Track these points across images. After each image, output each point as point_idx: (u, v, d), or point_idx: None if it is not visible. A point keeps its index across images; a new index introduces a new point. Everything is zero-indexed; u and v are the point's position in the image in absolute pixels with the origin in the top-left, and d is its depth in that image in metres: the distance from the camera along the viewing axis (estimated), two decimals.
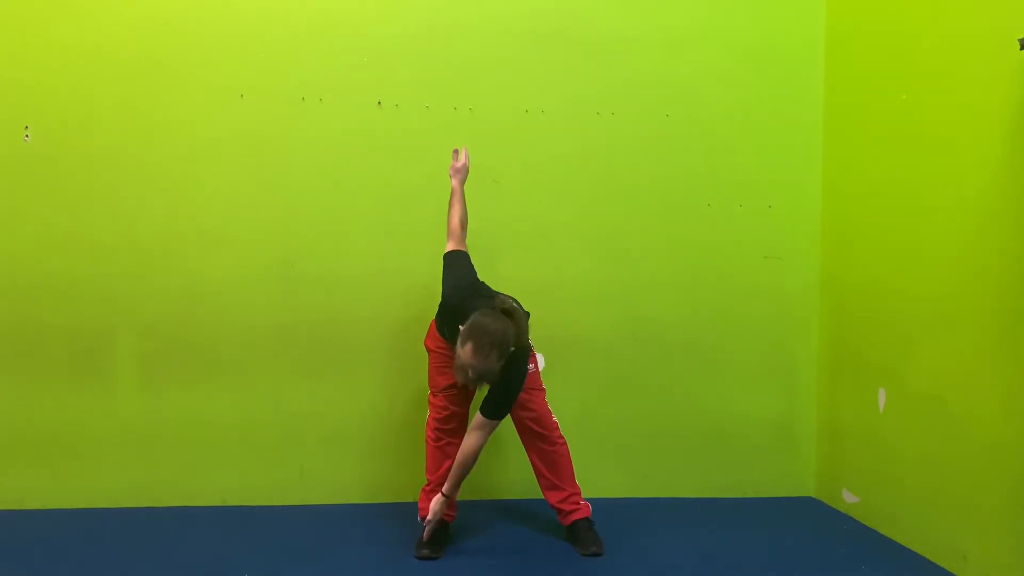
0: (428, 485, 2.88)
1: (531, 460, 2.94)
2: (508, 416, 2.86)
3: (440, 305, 2.83)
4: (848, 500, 3.31)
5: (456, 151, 2.95)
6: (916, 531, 2.89)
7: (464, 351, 2.52)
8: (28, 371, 3.14)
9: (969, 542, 2.63)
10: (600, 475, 3.30)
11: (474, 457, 2.72)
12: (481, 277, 2.87)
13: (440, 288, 2.84)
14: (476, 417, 2.72)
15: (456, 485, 2.75)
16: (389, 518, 3.13)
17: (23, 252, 3.12)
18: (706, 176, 3.50)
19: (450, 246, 2.88)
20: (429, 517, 2.75)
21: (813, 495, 3.58)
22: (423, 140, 3.30)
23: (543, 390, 2.93)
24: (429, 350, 2.92)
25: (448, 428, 2.85)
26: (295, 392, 3.27)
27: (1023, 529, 2.42)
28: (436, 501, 2.74)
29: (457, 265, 2.84)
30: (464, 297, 2.72)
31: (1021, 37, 2.35)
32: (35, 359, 3.14)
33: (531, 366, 2.86)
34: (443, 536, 2.85)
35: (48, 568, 2.62)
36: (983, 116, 2.60)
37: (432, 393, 2.90)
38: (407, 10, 3.30)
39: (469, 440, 2.71)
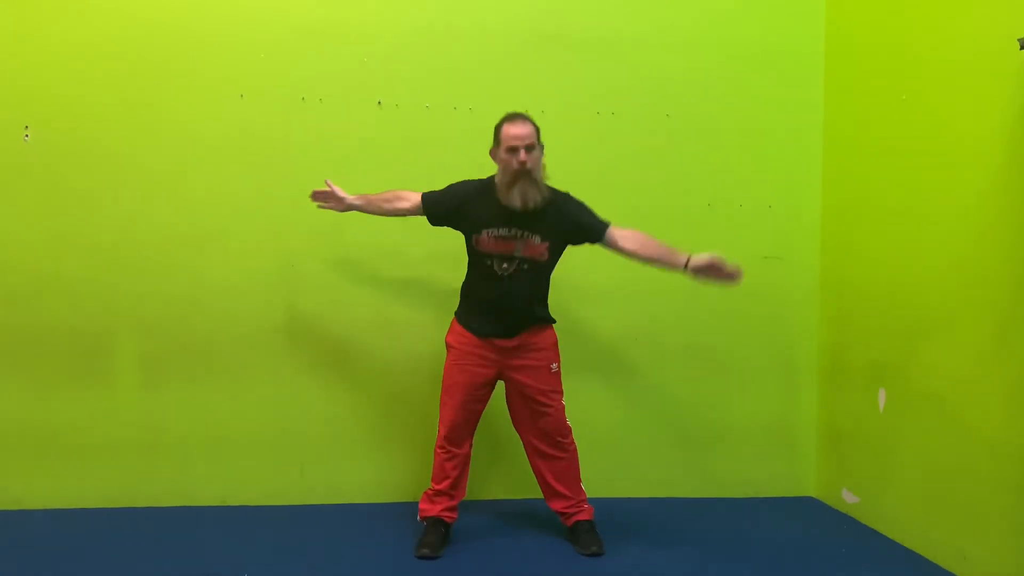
0: (431, 490, 2.88)
1: (537, 470, 2.92)
2: (510, 419, 2.88)
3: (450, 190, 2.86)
4: (848, 500, 3.31)
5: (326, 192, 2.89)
6: (916, 531, 2.89)
7: (503, 131, 2.71)
8: (28, 371, 3.14)
9: (969, 542, 2.63)
10: (600, 475, 3.29)
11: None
12: None
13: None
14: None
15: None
16: (389, 518, 3.13)
17: (23, 252, 3.12)
18: (706, 176, 3.49)
19: (413, 195, 2.86)
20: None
21: (813, 495, 3.58)
22: (423, 140, 3.30)
23: (562, 393, 2.91)
24: (450, 346, 2.88)
25: (450, 438, 2.84)
26: (295, 392, 3.27)
27: (1023, 529, 2.42)
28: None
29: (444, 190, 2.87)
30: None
31: (1021, 37, 2.35)
32: (35, 359, 3.14)
33: (554, 366, 2.87)
34: (443, 536, 2.84)
35: (48, 568, 2.62)
36: (983, 116, 2.60)
37: (443, 402, 2.87)
38: (407, 10, 3.30)
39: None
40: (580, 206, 2.81)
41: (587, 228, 2.79)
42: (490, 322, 2.80)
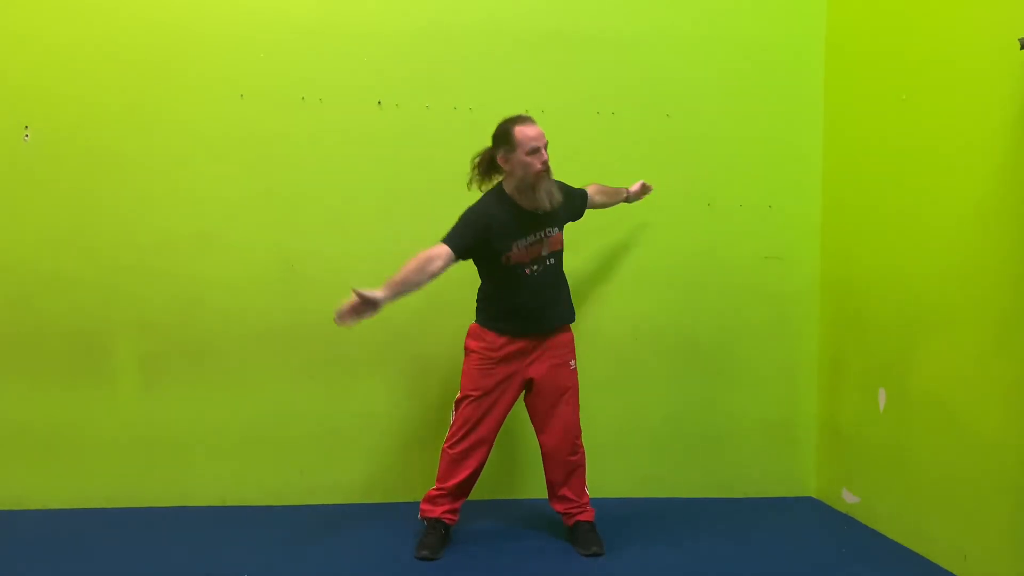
0: (435, 490, 2.87)
1: (547, 471, 2.92)
2: (525, 411, 2.90)
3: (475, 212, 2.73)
4: (848, 500, 3.31)
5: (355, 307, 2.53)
6: (916, 531, 2.89)
7: (520, 134, 2.67)
8: (28, 371, 3.14)
9: (969, 542, 2.63)
10: (600, 475, 3.29)
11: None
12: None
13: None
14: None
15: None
16: (389, 518, 3.13)
17: (23, 252, 3.13)
18: (706, 176, 3.49)
19: (439, 250, 2.67)
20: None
21: (813, 495, 3.58)
22: (423, 140, 3.30)
23: (578, 391, 2.93)
24: (471, 351, 2.84)
25: (467, 439, 2.81)
26: (295, 392, 3.27)
27: (1023, 529, 2.42)
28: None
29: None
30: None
31: (1021, 37, 2.35)
32: (35, 359, 3.14)
33: (572, 363, 2.91)
34: (443, 538, 2.84)
35: (48, 568, 2.62)
36: (983, 116, 2.60)
37: (458, 403, 2.84)
38: (407, 10, 3.30)
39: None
40: (562, 183, 2.90)
41: (576, 196, 2.99)
42: (526, 322, 2.80)
